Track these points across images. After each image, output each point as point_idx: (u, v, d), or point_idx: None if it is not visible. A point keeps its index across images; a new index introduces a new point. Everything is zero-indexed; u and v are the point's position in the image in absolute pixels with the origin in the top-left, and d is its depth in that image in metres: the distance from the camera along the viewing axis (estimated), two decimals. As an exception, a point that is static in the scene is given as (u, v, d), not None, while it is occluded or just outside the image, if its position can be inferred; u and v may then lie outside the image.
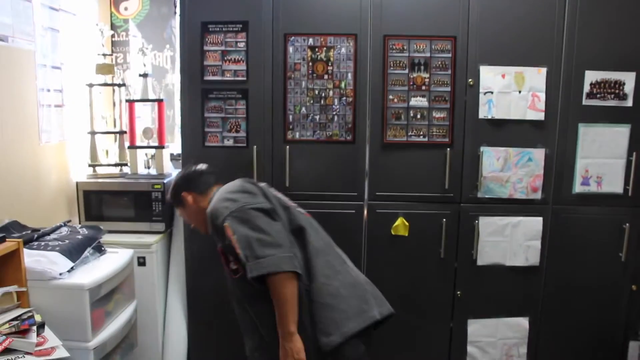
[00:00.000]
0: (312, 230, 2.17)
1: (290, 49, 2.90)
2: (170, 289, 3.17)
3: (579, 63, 2.89)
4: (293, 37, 2.89)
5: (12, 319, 2.07)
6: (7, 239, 2.20)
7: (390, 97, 2.92)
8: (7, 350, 1.92)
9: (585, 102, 2.92)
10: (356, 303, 2.07)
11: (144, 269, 3.03)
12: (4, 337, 1.93)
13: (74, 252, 2.47)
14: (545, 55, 2.90)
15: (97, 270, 2.47)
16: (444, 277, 3.04)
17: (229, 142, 2.97)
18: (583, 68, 2.90)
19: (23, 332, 2.04)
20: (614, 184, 2.97)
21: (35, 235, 2.52)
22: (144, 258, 3.03)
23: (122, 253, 2.72)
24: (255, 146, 2.94)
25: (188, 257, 3.11)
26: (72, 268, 2.40)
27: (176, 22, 3.78)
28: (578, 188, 2.97)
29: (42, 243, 2.47)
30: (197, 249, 3.03)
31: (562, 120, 2.94)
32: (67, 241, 2.51)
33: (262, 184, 2.24)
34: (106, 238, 2.76)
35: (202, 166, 2.38)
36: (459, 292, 3.04)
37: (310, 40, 2.90)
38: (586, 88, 2.91)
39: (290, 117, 2.94)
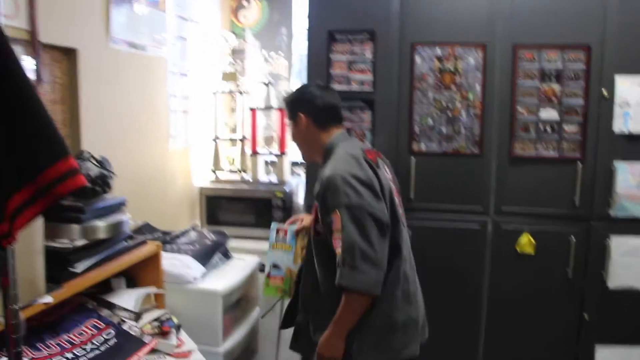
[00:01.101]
0: (406, 250, 2.07)
1: (418, 59, 2.86)
2: (287, 295, 3.18)
3: None
4: (420, 47, 2.85)
5: (153, 320, 2.13)
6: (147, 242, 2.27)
7: (519, 109, 2.82)
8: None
9: None
10: (402, 341, 2.03)
11: (262, 275, 3.04)
12: (151, 337, 1.97)
13: (204, 256, 2.53)
14: (690, 63, 2.72)
15: (228, 276, 2.52)
16: (571, 298, 2.89)
17: (354, 152, 2.94)
18: None
19: (164, 334, 2.09)
20: None
21: (168, 238, 2.59)
22: (263, 265, 3.05)
23: (248, 260, 2.76)
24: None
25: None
26: (204, 273, 2.45)
27: (289, 30, 3.84)
28: None
29: (175, 246, 2.53)
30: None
31: None
32: (197, 245, 2.57)
33: (380, 165, 2.06)
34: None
35: (329, 96, 2.15)
36: (586, 315, 2.88)
37: (438, 50, 2.84)
38: None
39: (416, 128, 2.89)
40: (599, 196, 2.82)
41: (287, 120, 2.25)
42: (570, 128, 2.81)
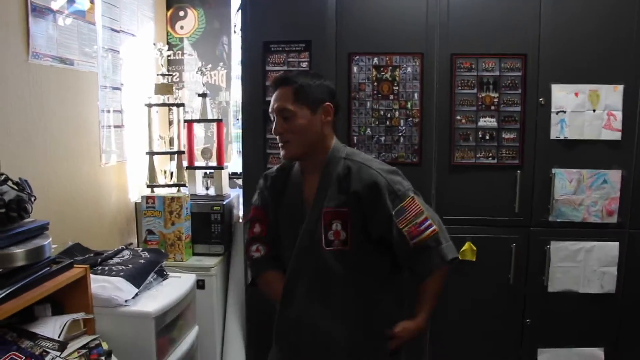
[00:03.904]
0: None
1: (355, 69, 2.83)
2: (229, 313, 3.11)
3: (659, 80, 2.75)
4: (357, 57, 2.82)
5: (80, 347, 2.03)
6: (74, 265, 2.17)
7: (458, 117, 2.82)
8: (77, 381, 1.89)
9: (665, 120, 2.77)
10: None
11: (203, 292, 2.97)
12: (76, 369, 1.89)
13: (138, 277, 2.41)
14: (622, 72, 2.76)
15: (161, 296, 2.42)
16: (513, 303, 2.91)
17: (292, 164, 2.90)
18: (664, 85, 2.75)
19: (92, 363, 2.00)
20: (697, 207, 2.81)
21: (99, 260, 2.49)
22: (203, 281, 2.98)
23: (184, 278, 2.66)
24: (319, 168, 2.86)
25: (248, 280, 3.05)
26: (136, 294, 2.35)
27: (229, 38, 3.75)
28: (657, 211, 2.82)
29: (106, 268, 2.42)
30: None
31: (640, 140, 2.79)
32: (130, 266, 2.46)
33: None
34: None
35: None
36: (528, 320, 2.90)
37: (375, 59, 2.82)
38: (666, 106, 2.76)
39: (355, 138, 2.86)
40: (538, 202, 2.85)
41: (292, 106, 1.81)
42: (508, 135, 2.82)
